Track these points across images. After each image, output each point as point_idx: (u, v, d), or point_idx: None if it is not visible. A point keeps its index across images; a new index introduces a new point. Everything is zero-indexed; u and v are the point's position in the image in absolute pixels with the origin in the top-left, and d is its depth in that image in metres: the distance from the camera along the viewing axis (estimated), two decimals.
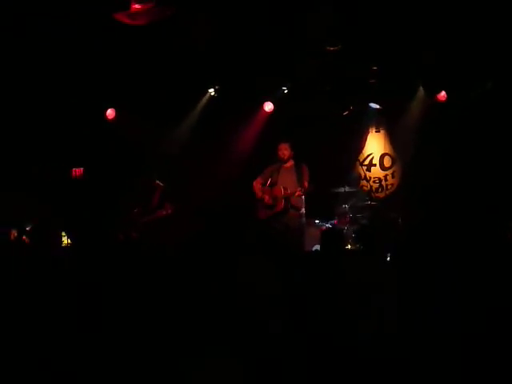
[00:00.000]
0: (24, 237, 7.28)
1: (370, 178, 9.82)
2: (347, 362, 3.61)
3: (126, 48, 8.32)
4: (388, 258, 5.31)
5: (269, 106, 9.57)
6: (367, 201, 8.98)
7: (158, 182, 8.41)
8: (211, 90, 9.63)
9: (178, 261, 4.59)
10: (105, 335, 3.77)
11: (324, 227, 8.46)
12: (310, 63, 8.75)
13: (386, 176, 9.82)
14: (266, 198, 7.84)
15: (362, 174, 9.77)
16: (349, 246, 8.00)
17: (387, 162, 9.84)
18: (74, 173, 9.71)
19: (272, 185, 7.87)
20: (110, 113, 9.59)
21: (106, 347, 3.68)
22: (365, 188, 9.67)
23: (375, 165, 9.88)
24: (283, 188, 7.72)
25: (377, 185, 9.83)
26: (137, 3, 6.75)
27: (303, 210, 7.79)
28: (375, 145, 9.93)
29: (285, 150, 7.88)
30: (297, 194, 7.59)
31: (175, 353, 3.60)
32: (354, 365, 3.59)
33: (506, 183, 8.36)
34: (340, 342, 3.76)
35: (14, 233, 7.60)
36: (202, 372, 3.42)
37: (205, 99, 9.72)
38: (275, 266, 4.37)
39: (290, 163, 7.93)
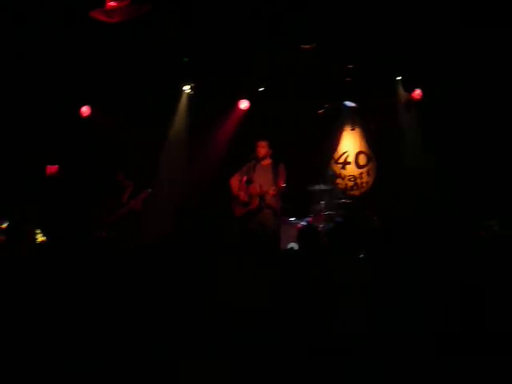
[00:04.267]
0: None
1: (345, 175, 9.91)
2: (333, 360, 3.63)
3: (101, 45, 8.28)
4: (361, 256, 5.36)
5: (244, 104, 9.60)
6: (342, 199, 9.02)
7: (127, 180, 8.44)
8: (187, 88, 9.65)
9: (160, 260, 4.57)
10: (95, 336, 3.75)
11: (299, 225, 8.47)
12: (286, 61, 8.79)
13: (361, 174, 9.89)
14: (242, 194, 7.81)
15: (337, 172, 9.84)
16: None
17: (362, 160, 9.91)
18: (48, 170, 9.64)
19: (248, 182, 7.84)
20: (85, 110, 9.54)
21: (98, 348, 3.66)
22: (340, 186, 9.73)
23: (350, 163, 9.95)
24: (259, 186, 7.72)
25: (352, 183, 9.90)
26: (112, 0, 6.73)
27: (278, 209, 7.78)
28: (350, 143, 9.99)
29: (262, 148, 7.85)
30: (271, 193, 7.60)
31: (166, 353, 3.59)
32: (339, 363, 3.62)
33: (480, 182, 8.47)
34: (322, 338, 3.79)
35: None
36: (192, 372, 3.42)
37: (181, 97, 9.72)
38: (258, 266, 4.37)
39: (268, 161, 7.90)
